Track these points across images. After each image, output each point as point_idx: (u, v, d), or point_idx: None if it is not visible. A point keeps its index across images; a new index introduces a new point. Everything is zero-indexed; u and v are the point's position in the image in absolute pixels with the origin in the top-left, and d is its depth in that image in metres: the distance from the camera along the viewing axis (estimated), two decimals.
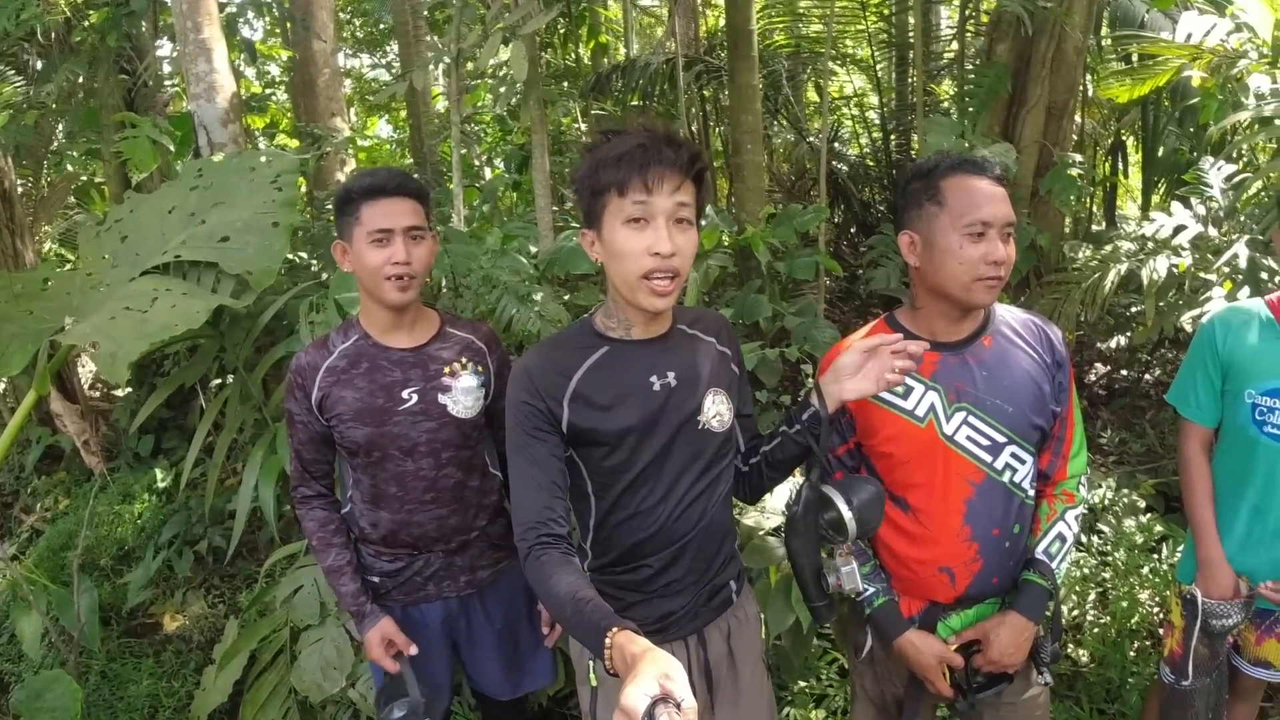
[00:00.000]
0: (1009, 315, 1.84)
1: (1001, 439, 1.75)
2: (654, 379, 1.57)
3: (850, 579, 1.70)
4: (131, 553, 3.96)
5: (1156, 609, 3.00)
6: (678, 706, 1.07)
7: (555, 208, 4.72)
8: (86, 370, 5.79)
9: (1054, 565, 1.81)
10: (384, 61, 10.69)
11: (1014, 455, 1.76)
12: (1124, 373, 5.36)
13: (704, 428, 1.61)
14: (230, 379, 3.33)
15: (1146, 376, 5.27)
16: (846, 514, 1.58)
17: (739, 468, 1.75)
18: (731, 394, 1.67)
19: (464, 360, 2.01)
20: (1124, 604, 2.98)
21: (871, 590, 1.84)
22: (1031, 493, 1.82)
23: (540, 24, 2.91)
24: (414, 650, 2.00)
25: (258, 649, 2.58)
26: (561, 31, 6.51)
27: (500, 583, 2.15)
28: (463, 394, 1.98)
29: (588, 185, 1.47)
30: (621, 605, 1.64)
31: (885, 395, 1.75)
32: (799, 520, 1.64)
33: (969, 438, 1.75)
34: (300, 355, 1.96)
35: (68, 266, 6.12)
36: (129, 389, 4.56)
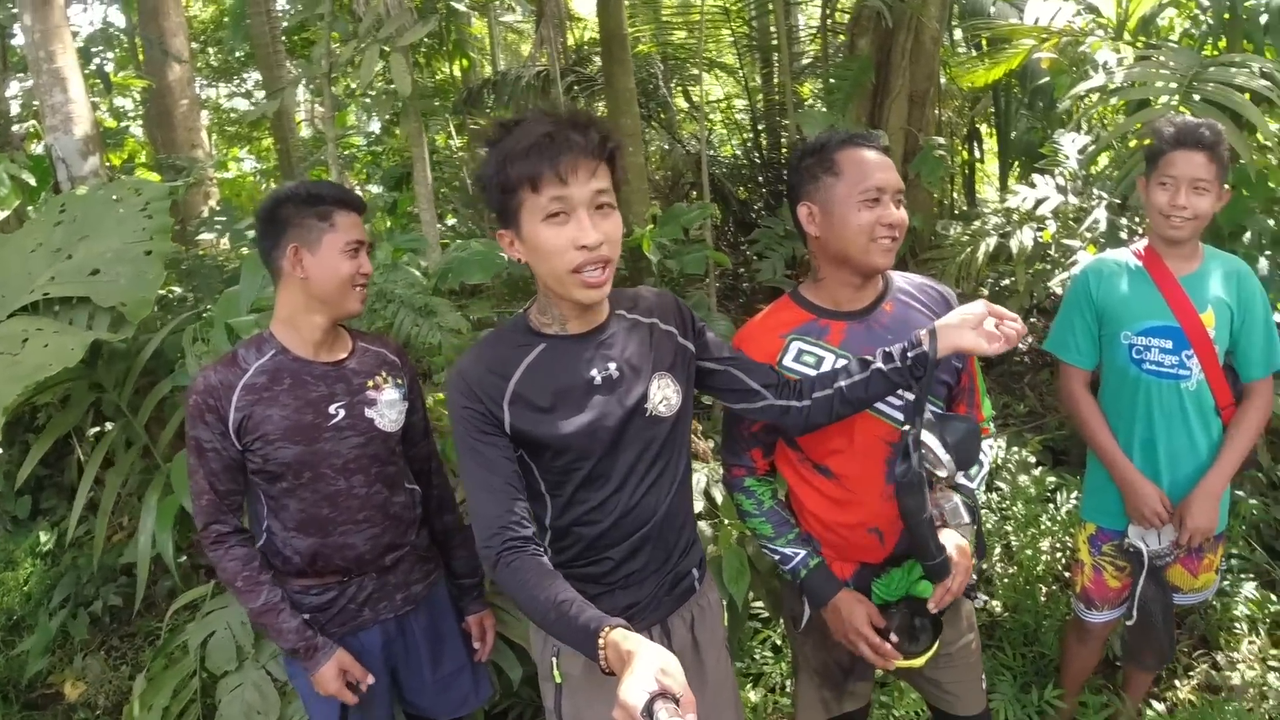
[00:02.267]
0: (904, 281, 1.92)
1: (912, 397, 1.82)
2: (594, 373, 1.54)
3: (955, 514, 1.73)
4: (21, 621, 3.66)
5: (1059, 553, 3.19)
6: (676, 701, 1.07)
7: (440, 225, 4.64)
8: None
9: (974, 486, 1.91)
10: (242, 90, 10.27)
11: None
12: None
13: (652, 414, 1.58)
14: (109, 425, 3.12)
15: (1020, 344, 5.61)
16: (944, 456, 1.58)
17: (797, 405, 1.68)
18: (678, 374, 1.64)
19: (384, 374, 1.98)
20: (1028, 553, 3.15)
21: (801, 555, 1.87)
22: None
23: (419, 35, 2.86)
24: (372, 680, 1.93)
25: (169, 704, 2.41)
26: (424, 50, 6.42)
27: (432, 597, 2.10)
28: (387, 407, 1.95)
29: (496, 183, 1.41)
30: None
31: (797, 368, 1.79)
32: (914, 474, 1.61)
33: (885, 400, 1.81)
34: (206, 375, 1.84)
35: None
36: None
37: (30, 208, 4.18)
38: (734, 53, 6.99)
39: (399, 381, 1.99)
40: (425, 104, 3.93)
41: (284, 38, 6.49)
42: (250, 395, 1.83)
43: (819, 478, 1.88)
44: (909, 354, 1.60)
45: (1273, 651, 2.84)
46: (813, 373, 1.78)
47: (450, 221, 6.22)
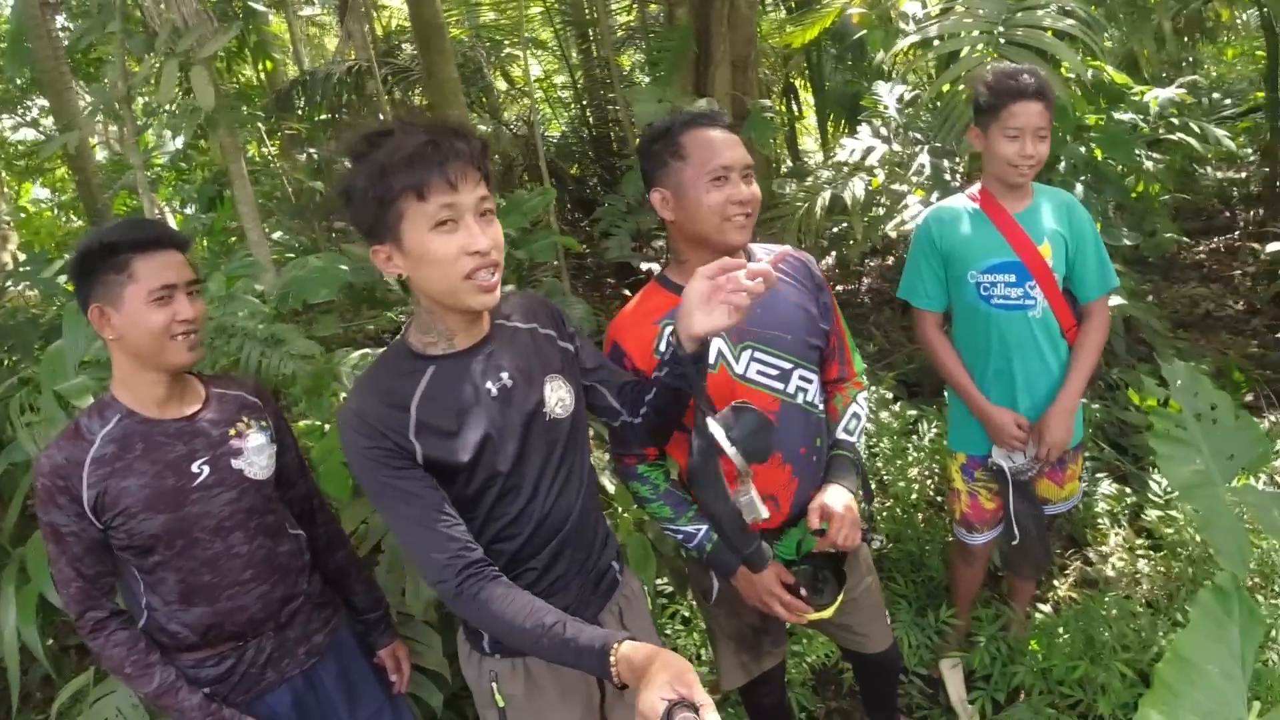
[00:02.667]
0: (764, 253, 1.95)
1: (788, 365, 1.87)
2: (489, 385, 1.50)
3: (750, 509, 1.62)
4: None
5: (930, 480, 3.39)
6: (694, 709, 1.07)
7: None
8: None
9: (854, 439, 2.00)
10: (27, 120, 9.20)
11: (802, 378, 1.90)
12: (840, 288, 5.95)
13: (551, 418, 1.57)
14: None
15: (858, 286, 5.91)
16: (729, 449, 1.51)
17: (630, 421, 1.68)
18: (568, 375, 1.63)
19: (246, 418, 1.82)
20: (900, 484, 3.34)
21: (703, 531, 1.90)
22: (822, 407, 1.98)
23: (220, 44, 2.65)
24: None
25: None
26: (224, 55, 5.98)
27: (336, 643, 1.99)
28: (255, 454, 1.80)
29: (373, 195, 1.34)
30: None
31: None
32: (698, 469, 1.57)
33: (759, 371, 1.86)
34: (50, 454, 1.65)
35: None
36: None
37: None
38: (550, 29, 6.92)
39: (263, 424, 1.85)
40: (235, 115, 3.66)
41: (69, 58, 5.85)
42: (102, 469, 1.65)
43: None
44: (668, 357, 1.56)
45: (1138, 541, 3.13)
46: None
47: (275, 235, 5.87)
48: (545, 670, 1.63)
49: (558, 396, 1.58)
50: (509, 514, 1.54)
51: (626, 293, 5.83)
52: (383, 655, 2.07)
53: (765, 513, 1.62)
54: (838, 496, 1.88)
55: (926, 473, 3.42)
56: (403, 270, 1.40)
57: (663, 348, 1.82)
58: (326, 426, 2.76)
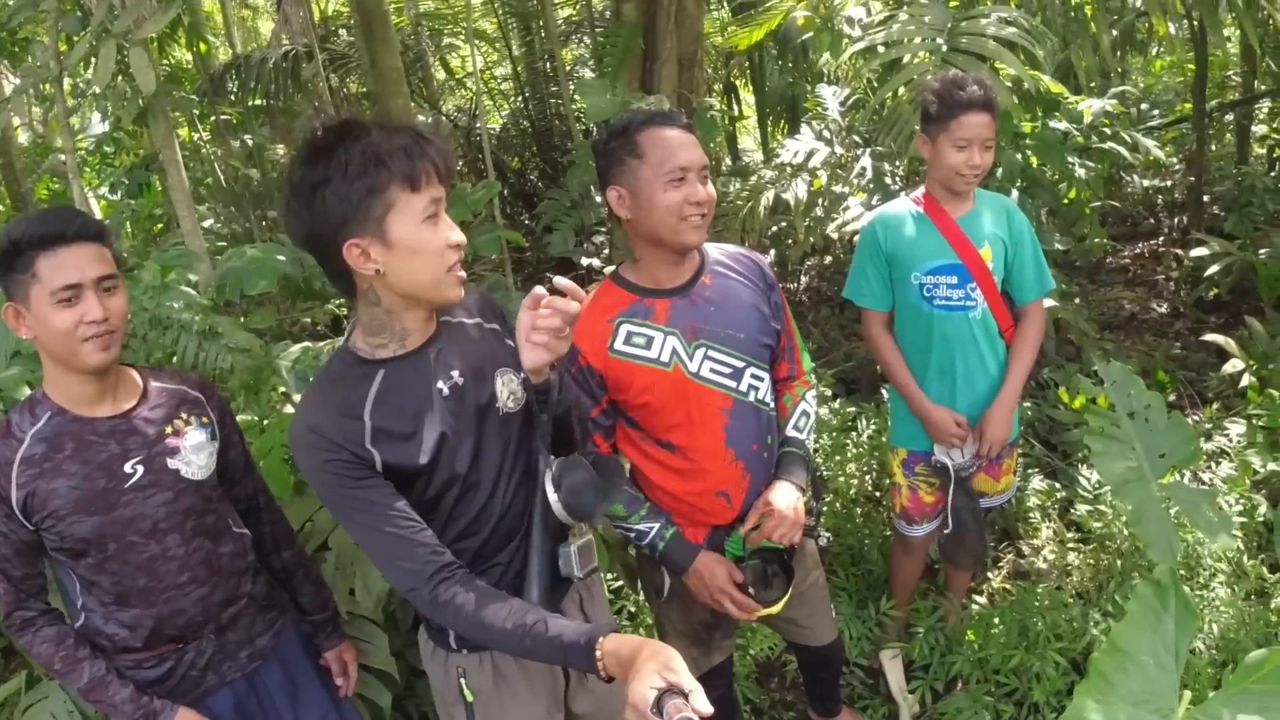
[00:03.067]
0: (719, 253, 1.98)
1: (740, 364, 1.90)
2: (440, 384, 1.49)
3: (565, 561, 1.58)
4: None
5: (868, 475, 3.47)
6: (684, 695, 1.09)
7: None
8: None
9: (803, 437, 2.04)
10: None
11: (754, 376, 1.93)
12: (779, 286, 6.04)
13: (504, 412, 1.56)
14: None
15: (797, 284, 6.00)
16: (552, 499, 1.51)
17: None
18: (517, 368, 1.60)
19: (185, 415, 1.75)
20: (840, 479, 3.41)
21: (655, 528, 1.92)
22: (773, 404, 2.02)
23: (160, 25, 2.55)
24: None
25: None
26: (156, 37, 5.78)
27: (280, 646, 1.95)
28: (193, 452, 1.74)
29: (362, 184, 1.32)
30: None
31: (629, 350, 1.83)
32: (538, 505, 1.56)
33: (713, 370, 1.88)
34: None
35: None
36: None
37: None
38: (492, 20, 6.84)
39: (204, 420, 1.78)
40: (171, 100, 3.54)
41: None
42: (31, 469, 1.59)
43: (663, 452, 1.93)
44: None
45: (1068, 534, 3.26)
46: (645, 353, 1.83)
47: (207, 224, 5.69)
48: (512, 663, 1.63)
49: (509, 390, 1.57)
50: (469, 513, 1.53)
51: None
52: (329, 657, 2.04)
53: (578, 571, 1.58)
54: (784, 494, 1.92)
55: (865, 468, 3.50)
56: (380, 264, 1.36)
57: (618, 344, 1.83)
58: (265, 422, 2.70)
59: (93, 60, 2.54)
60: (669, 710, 1.09)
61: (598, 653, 1.26)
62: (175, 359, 2.79)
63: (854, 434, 3.62)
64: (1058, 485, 3.41)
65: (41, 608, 1.70)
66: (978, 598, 2.95)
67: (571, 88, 5.52)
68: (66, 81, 3.23)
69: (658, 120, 1.79)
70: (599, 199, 4.30)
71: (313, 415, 1.42)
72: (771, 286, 1.99)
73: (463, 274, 1.41)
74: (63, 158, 3.28)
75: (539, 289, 1.38)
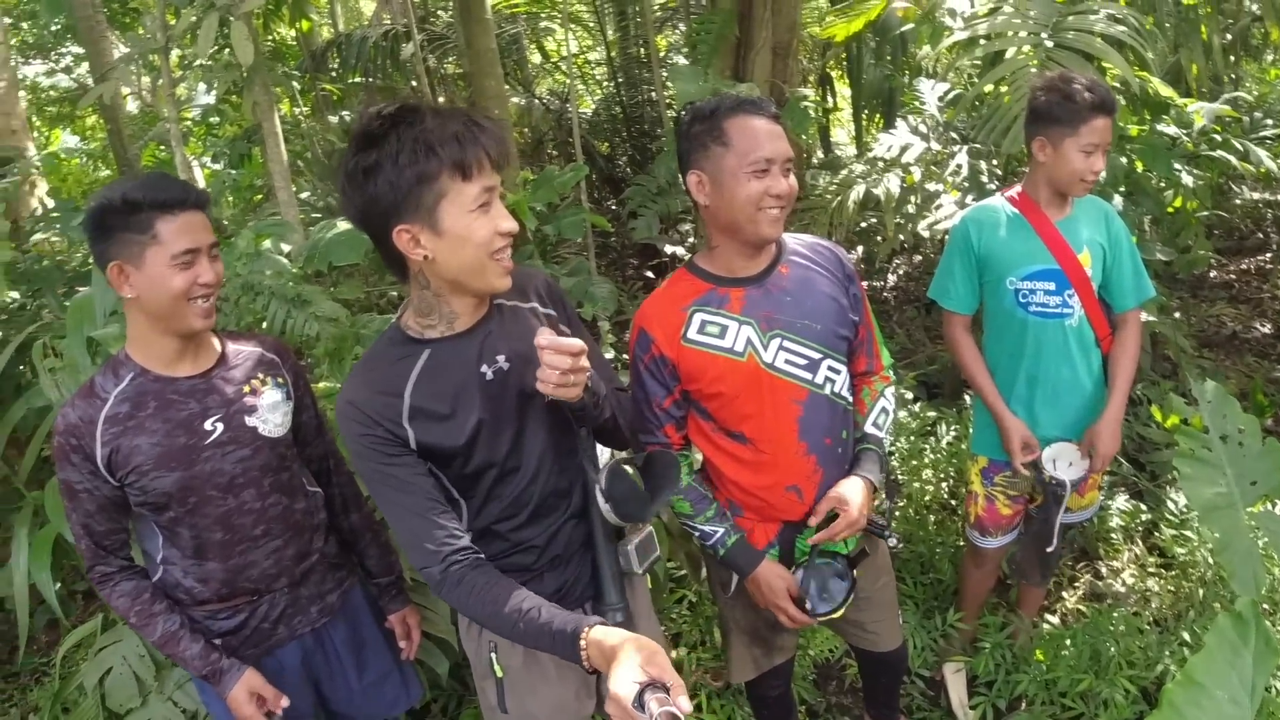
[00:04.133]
0: (796, 243, 1.94)
1: (816, 355, 1.86)
2: (485, 368, 1.50)
3: (627, 559, 1.67)
4: None
5: (944, 483, 3.38)
6: (665, 689, 1.08)
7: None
8: None
9: (881, 434, 1.99)
10: (61, 66, 9.21)
11: (830, 368, 1.88)
12: (866, 284, 5.92)
13: (550, 398, 1.54)
14: None
15: (884, 283, 5.87)
16: (603, 506, 1.55)
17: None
18: None
19: (261, 375, 1.82)
20: (915, 485, 3.32)
21: (720, 533, 1.90)
22: (850, 398, 1.97)
23: (261, 1, 2.63)
24: (286, 703, 1.82)
25: None
26: (261, 13, 5.98)
27: (348, 604, 2.01)
28: (270, 411, 1.81)
29: (413, 172, 1.33)
30: None
31: (702, 339, 1.81)
32: (595, 511, 1.60)
33: (788, 361, 1.84)
34: (65, 413, 1.66)
35: None
36: None
37: None
38: (589, 4, 6.86)
39: (280, 380, 1.85)
40: (272, 74, 3.65)
41: (104, 7, 5.84)
42: (114, 427, 1.66)
43: (734, 444, 1.90)
44: None
45: (1150, 558, 3.12)
46: (719, 343, 1.81)
47: (303, 195, 5.87)
48: None
49: None
50: (509, 495, 1.56)
51: (649, 275, 5.80)
52: (393, 620, 2.09)
53: (638, 567, 1.67)
54: (854, 488, 1.88)
55: (942, 475, 3.41)
56: (429, 251, 1.38)
57: (692, 333, 1.81)
58: None
59: (197, 33, 2.63)
60: (651, 705, 1.09)
61: (582, 641, 1.27)
62: (265, 324, 2.89)
63: (932, 439, 3.53)
64: (1143, 507, 3.26)
65: (121, 564, 1.78)
66: (1050, 617, 2.85)
67: (664, 74, 5.49)
68: (174, 53, 3.35)
69: (746, 108, 1.75)
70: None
71: (353, 390, 1.46)
72: (850, 278, 1.94)
73: (509, 263, 1.42)
74: (169, 126, 3.41)
75: (541, 338, 1.39)
